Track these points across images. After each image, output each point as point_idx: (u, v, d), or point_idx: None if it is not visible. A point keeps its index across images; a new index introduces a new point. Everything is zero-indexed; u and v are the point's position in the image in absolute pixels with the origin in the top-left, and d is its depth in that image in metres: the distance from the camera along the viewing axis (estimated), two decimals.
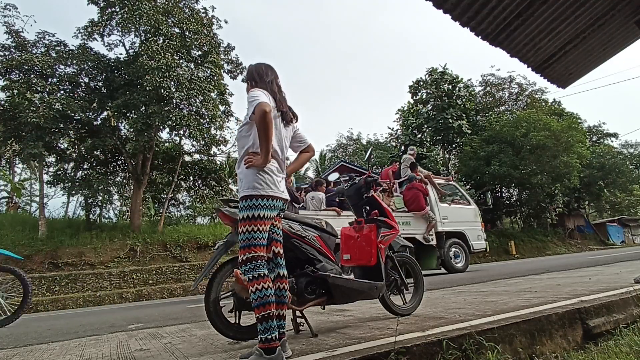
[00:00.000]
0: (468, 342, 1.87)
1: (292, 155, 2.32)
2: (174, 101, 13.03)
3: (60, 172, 13.71)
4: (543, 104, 23.54)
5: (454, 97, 20.55)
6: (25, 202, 23.09)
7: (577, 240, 23.63)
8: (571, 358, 2.01)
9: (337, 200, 6.86)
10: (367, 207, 2.90)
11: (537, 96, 23.80)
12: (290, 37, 77.96)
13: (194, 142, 14.69)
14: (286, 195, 1.99)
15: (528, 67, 4.31)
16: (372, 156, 3.42)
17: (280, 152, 1.96)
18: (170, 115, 12.21)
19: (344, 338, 2.13)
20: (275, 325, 1.76)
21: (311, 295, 2.35)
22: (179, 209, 21.48)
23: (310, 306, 2.37)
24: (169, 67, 12.03)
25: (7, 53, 11.88)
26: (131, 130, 13.12)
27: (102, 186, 13.80)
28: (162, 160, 15.42)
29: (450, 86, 20.66)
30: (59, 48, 12.59)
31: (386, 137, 30.08)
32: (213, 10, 14.74)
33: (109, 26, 13.27)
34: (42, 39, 12.53)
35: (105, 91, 13.12)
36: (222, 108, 14.86)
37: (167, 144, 16.00)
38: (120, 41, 13.76)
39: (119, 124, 13.94)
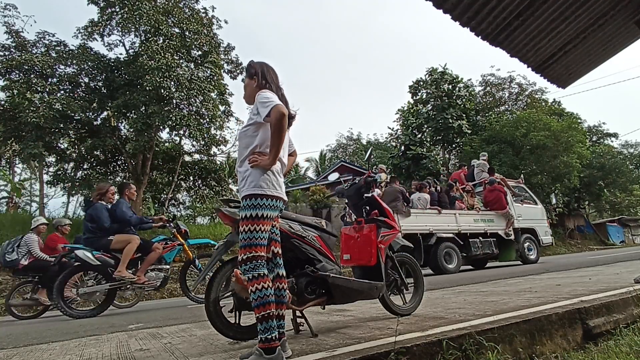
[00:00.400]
0: (468, 342, 1.87)
1: None
2: (174, 101, 13.04)
3: (60, 172, 13.73)
4: (543, 104, 23.52)
5: (454, 97, 20.54)
6: (25, 202, 23.12)
7: (577, 240, 23.61)
8: (571, 358, 2.01)
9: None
10: (367, 207, 2.90)
11: (537, 96, 23.77)
12: (290, 37, 77.98)
13: (194, 142, 14.71)
14: (285, 197, 2.00)
15: (528, 67, 4.32)
16: (372, 156, 3.42)
17: (283, 154, 1.98)
18: (170, 115, 12.21)
19: (344, 338, 2.13)
20: (275, 325, 1.76)
21: (311, 295, 2.35)
22: (179, 209, 21.49)
23: (310, 306, 2.37)
24: (169, 67, 12.04)
25: (7, 53, 11.90)
26: (131, 130, 13.13)
27: None
28: (162, 160, 15.42)
29: (450, 86, 20.65)
30: (59, 48, 12.60)
31: (386, 137, 30.14)
32: (213, 10, 14.78)
33: (109, 26, 13.29)
34: (42, 39, 12.54)
35: (105, 91, 13.13)
36: (222, 108, 14.87)
37: (167, 144, 16.01)
38: (120, 41, 13.79)
39: (119, 124, 13.95)
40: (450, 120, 19.72)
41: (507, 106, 24.31)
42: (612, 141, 30.03)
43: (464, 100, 21.05)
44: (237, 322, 2.32)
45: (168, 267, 5.74)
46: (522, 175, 13.08)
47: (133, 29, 13.01)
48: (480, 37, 3.66)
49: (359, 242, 2.74)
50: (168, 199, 15.85)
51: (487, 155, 11.38)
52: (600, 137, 29.83)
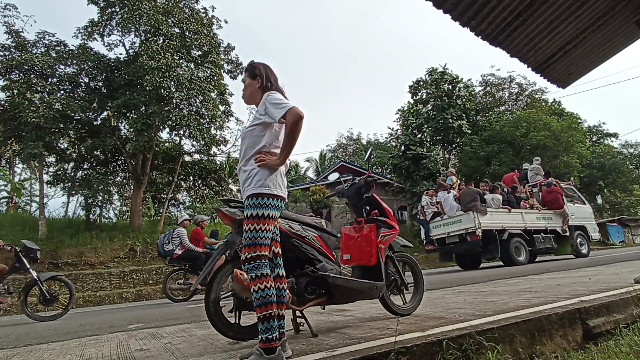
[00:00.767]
0: (468, 342, 1.87)
1: None
2: (174, 101, 13.03)
3: (60, 172, 13.71)
4: (543, 104, 23.53)
5: (454, 97, 20.53)
6: (25, 202, 23.13)
7: None
8: (571, 358, 2.01)
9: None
10: (367, 207, 2.90)
11: (537, 96, 23.78)
12: (290, 37, 78.01)
13: (194, 142, 14.69)
14: (286, 197, 2.01)
15: (528, 67, 4.31)
16: (372, 156, 3.42)
17: None
18: (170, 115, 12.21)
19: (344, 338, 2.13)
20: (277, 325, 1.76)
21: (311, 295, 2.35)
22: (179, 209, 21.48)
23: (310, 306, 2.37)
24: (169, 67, 12.03)
25: (7, 53, 11.88)
26: (131, 130, 13.12)
27: (102, 186, 13.79)
28: (162, 160, 15.41)
29: (450, 86, 20.64)
30: (59, 48, 12.59)
31: (386, 137, 30.15)
32: (213, 10, 14.77)
33: (109, 26, 13.27)
34: (42, 39, 12.53)
35: (105, 91, 13.11)
36: (222, 108, 14.86)
37: (167, 144, 16.00)
38: (120, 41, 13.77)
39: (119, 124, 13.94)
40: (450, 120, 19.71)
41: (507, 106, 24.31)
42: (612, 141, 30.10)
43: (464, 100, 21.05)
44: (237, 322, 2.32)
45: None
46: (572, 178, 14.79)
47: (133, 29, 13.00)
48: (480, 37, 3.66)
49: (359, 242, 2.74)
50: (168, 199, 15.84)
51: (540, 159, 12.93)
52: (600, 137, 29.87)
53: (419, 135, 20.06)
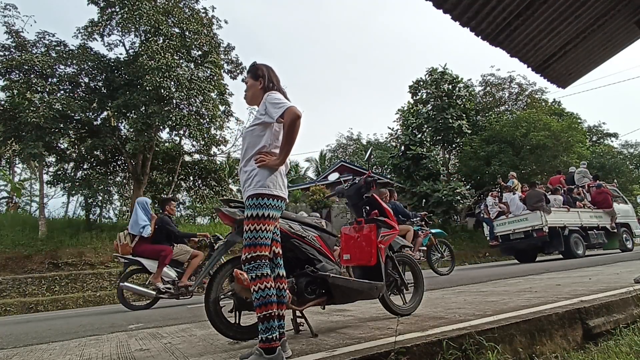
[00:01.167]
0: (468, 342, 1.87)
1: None
2: (174, 101, 13.03)
3: (60, 172, 13.71)
4: (543, 104, 23.49)
5: (454, 97, 20.51)
6: (25, 202, 23.12)
7: None
8: (571, 358, 2.01)
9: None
10: (367, 207, 2.90)
11: (537, 96, 23.74)
12: (290, 37, 77.90)
13: (194, 142, 14.69)
14: (287, 197, 2.01)
15: (528, 67, 4.31)
16: (372, 156, 3.42)
17: None
18: (170, 115, 12.20)
19: (344, 338, 2.13)
20: (277, 325, 1.76)
21: (311, 295, 2.35)
22: (179, 209, 21.48)
23: (310, 306, 2.37)
24: (169, 67, 12.03)
25: (7, 53, 11.88)
26: (131, 130, 13.12)
27: (102, 186, 13.80)
28: (162, 160, 15.41)
29: (450, 86, 20.61)
30: (59, 48, 12.58)
31: (386, 137, 30.11)
32: (213, 10, 14.77)
33: (109, 26, 13.26)
34: (42, 39, 12.52)
35: (105, 91, 13.11)
36: (222, 108, 14.86)
37: (167, 144, 16.00)
38: (120, 41, 13.77)
39: (119, 124, 13.94)
40: (450, 120, 19.69)
41: (507, 106, 24.28)
42: (612, 141, 30.06)
43: (464, 100, 21.03)
44: (237, 322, 2.32)
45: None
46: (615, 180, 15.90)
47: (133, 29, 13.00)
48: (480, 37, 3.66)
49: (359, 242, 2.74)
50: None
51: (587, 163, 14.19)
52: (600, 137, 29.85)
53: (419, 135, 20.04)
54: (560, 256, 10.32)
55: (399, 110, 23.16)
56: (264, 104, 1.94)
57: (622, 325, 2.40)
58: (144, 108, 12.40)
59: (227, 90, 15.07)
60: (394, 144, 24.38)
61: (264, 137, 1.93)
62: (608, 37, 4.08)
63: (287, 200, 2.03)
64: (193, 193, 17.06)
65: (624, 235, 11.43)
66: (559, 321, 2.23)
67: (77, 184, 13.34)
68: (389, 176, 22.96)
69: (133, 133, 12.89)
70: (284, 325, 1.91)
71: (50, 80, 12.31)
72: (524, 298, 3.07)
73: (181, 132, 14.13)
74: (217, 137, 14.86)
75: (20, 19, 19.25)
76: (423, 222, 7.64)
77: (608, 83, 65.40)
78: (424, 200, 18.17)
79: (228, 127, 15.61)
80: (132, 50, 13.68)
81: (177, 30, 13.57)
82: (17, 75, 11.74)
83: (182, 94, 12.65)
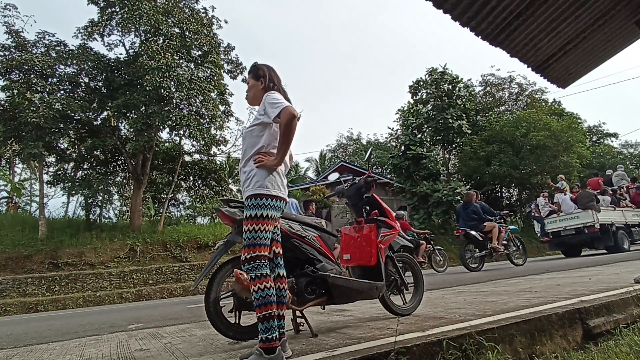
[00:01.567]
0: (468, 342, 1.87)
1: None
2: (174, 101, 13.03)
3: (60, 172, 13.71)
4: (543, 104, 23.49)
5: (454, 97, 20.51)
6: (25, 202, 23.09)
7: None
8: (571, 358, 2.01)
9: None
10: (367, 207, 2.90)
11: (537, 96, 23.75)
12: (290, 37, 77.88)
13: (194, 142, 14.69)
14: (287, 197, 2.01)
15: (528, 67, 4.31)
16: (372, 156, 3.42)
17: (287, 156, 2.00)
18: (170, 115, 12.21)
19: (344, 338, 2.13)
20: (276, 325, 1.76)
21: (311, 295, 2.35)
22: (179, 209, 21.47)
23: (310, 306, 2.37)
24: (169, 67, 12.03)
25: (7, 53, 11.88)
26: (131, 130, 13.12)
27: (102, 186, 13.79)
28: (162, 160, 15.42)
29: (450, 86, 20.62)
30: (59, 48, 12.59)
31: (386, 137, 30.09)
32: (213, 10, 14.77)
33: (109, 26, 13.26)
34: (42, 39, 12.52)
35: (105, 91, 13.11)
36: (222, 108, 14.86)
37: (167, 144, 16.00)
38: (120, 41, 13.77)
39: (119, 124, 13.94)
40: (450, 120, 19.70)
41: (507, 106, 24.29)
42: (612, 141, 30.08)
43: (464, 100, 21.03)
44: (237, 322, 2.32)
45: None
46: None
47: (133, 29, 13.00)
48: (480, 37, 3.66)
49: (359, 242, 2.74)
50: (168, 199, 15.84)
51: (624, 167, 15.26)
52: (600, 137, 29.86)
53: (419, 135, 20.04)
54: (604, 251, 11.04)
55: (399, 110, 23.15)
56: (263, 104, 1.95)
57: (622, 325, 2.40)
58: (144, 108, 12.40)
59: (227, 90, 15.08)
60: (394, 144, 24.38)
61: (262, 138, 1.94)
62: (608, 37, 4.08)
63: (287, 200, 2.02)
64: (193, 193, 17.06)
65: None
66: (559, 321, 2.23)
67: (77, 184, 13.33)
68: (389, 176, 22.96)
69: (133, 133, 12.89)
70: (284, 325, 1.91)
71: (50, 80, 12.31)
72: (524, 298, 3.06)
73: (181, 132, 14.13)
74: (217, 137, 14.86)
75: (20, 19, 19.21)
76: (502, 220, 8.82)
77: (608, 83, 65.34)
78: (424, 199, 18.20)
79: (228, 127, 15.65)
80: (132, 50, 13.68)
81: (177, 30, 13.57)
82: (17, 75, 11.74)
83: (182, 94, 12.65)
